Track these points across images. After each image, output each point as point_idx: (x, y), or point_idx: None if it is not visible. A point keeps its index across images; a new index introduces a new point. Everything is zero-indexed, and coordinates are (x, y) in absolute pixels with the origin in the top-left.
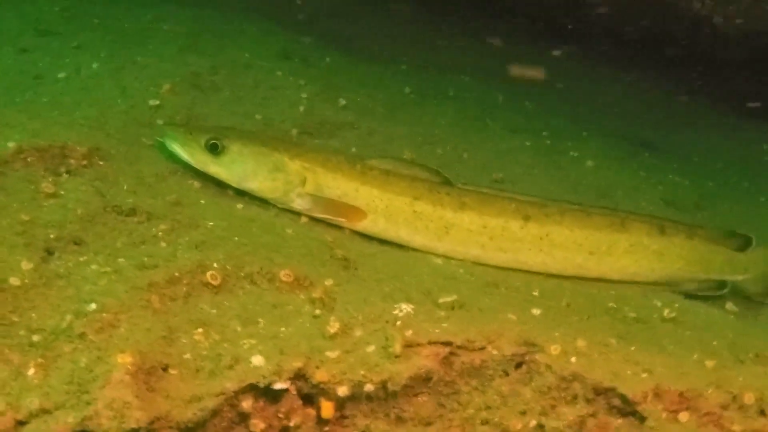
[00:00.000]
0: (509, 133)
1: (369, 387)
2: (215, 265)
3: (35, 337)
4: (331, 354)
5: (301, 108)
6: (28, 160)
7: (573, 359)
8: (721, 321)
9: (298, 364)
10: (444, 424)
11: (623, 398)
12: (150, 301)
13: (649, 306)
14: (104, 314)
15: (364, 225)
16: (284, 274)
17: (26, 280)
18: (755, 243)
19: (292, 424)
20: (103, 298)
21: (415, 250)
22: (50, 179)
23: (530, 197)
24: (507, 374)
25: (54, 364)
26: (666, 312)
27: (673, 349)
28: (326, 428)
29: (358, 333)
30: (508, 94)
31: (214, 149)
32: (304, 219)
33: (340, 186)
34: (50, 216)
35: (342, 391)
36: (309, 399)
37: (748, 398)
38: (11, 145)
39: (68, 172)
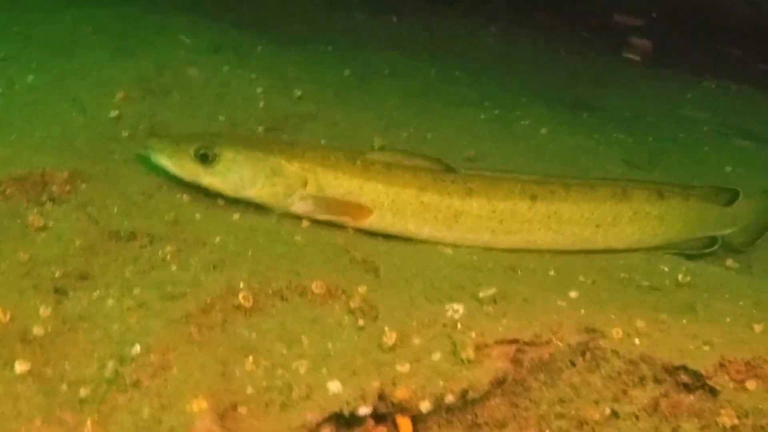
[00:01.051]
0: (456, 108)
1: (450, 398)
2: (241, 285)
3: (83, 392)
4: (402, 368)
5: (261, 104)
6: (8, 192)
7: (636, 341)
8: (731, 279)
9: (376, 384)
10: (519, 423)
11: (693, 374)
12: (191, 334)
13: (658, 272)
14: (152, 356)
15: (370, 222)
16: (316, 286)
17: (49, 328)
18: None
19: None
20: (144, 339)
21: (423, 242)
22: (35, 210)
23: (531, 175)
24: (574, 364)
25: (111, 419)
26: (680, 277)
27: (706, 314)
28: None
29: (417, 341)
30: (437, 67)
31: (206, 159)
32: (305, 223)
33: (342, 184)
34: (48, 251)
35: (425, 406)
36: (381, 418)
37: None
38: None
39: (51, 200)
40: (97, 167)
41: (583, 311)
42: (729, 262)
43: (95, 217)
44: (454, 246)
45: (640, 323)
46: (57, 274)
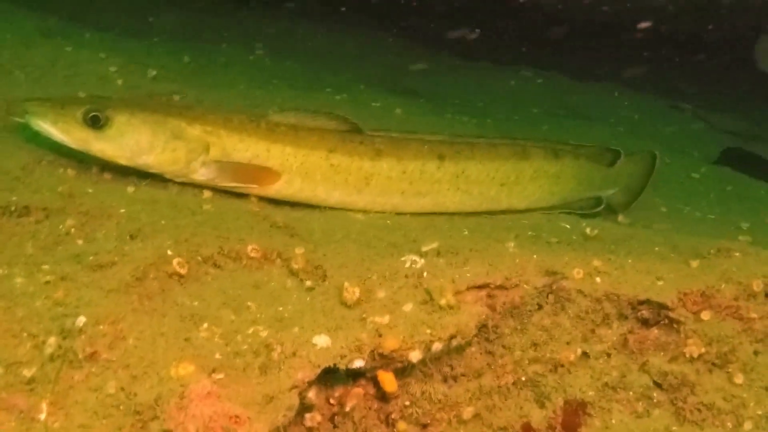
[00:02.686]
0: (303, 92)
1: (437, 346)
2: (170, 252)
3: (27, 372)
4: (381, 319)
5: (119, 82)
6: None
7: (598, 279)
8: (633, 232)
9: (364, 335)
10: (496, 372)
11: (657, 308)
12: (134, 303)
13: (561, 229)
14: (101, 327)
15: (278, 188)
16: (251, 250)
17: None
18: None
19: (347, 408)
20: (87, 310)
21: (331, 209)
22: None
23: (436, 136)
24: (541, 307)
25: (70, 399)
26: (588, 230)
27: (635, 259)
28: (377, 405)
29: (382, 294)
30: (270, 58)
31: (96, 122)
32: (207, 193)
33: (248, 148)
34: None
35: (415, 356)
36: (359, 376)
37: (756, 285)
38: None
39: None
40: None
41: (535, 256)
42: (620, 218)
43: None
44: (364, 212)
45: (597, 262)
46: None
